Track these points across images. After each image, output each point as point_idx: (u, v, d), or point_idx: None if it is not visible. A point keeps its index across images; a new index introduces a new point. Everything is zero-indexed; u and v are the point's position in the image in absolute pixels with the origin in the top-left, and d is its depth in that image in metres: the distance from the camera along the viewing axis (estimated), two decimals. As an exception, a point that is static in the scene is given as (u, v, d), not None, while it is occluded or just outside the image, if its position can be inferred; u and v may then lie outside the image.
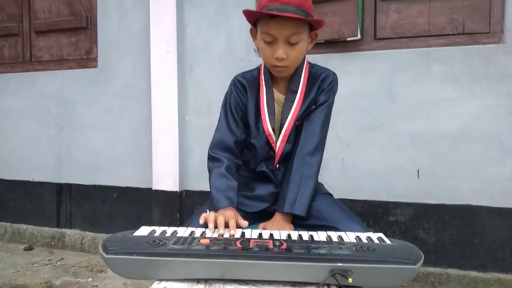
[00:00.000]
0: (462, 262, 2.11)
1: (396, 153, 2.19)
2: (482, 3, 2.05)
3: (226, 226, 1.08)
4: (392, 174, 2.21)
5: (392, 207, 2.21)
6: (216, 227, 1.07)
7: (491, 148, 2.05)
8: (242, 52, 2.50)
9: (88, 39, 2.94)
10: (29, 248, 2.98)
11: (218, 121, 1.40)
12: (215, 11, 2.54)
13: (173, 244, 0.94)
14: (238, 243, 0.95)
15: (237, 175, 1.33)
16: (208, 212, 1.24)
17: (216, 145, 1.35)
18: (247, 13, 1.24)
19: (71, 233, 2.97)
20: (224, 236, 1.03)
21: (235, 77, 1.42)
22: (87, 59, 2.96)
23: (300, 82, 1.34)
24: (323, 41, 2.28)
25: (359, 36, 2.21)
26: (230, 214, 1.12)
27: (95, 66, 2.91)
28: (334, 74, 1.38)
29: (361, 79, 2.24)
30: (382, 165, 2.22)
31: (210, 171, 1.33)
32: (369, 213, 2.23)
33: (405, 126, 2.17)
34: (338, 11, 2.20)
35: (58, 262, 2.70)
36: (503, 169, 2.03)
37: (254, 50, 2.47)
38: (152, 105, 2.65)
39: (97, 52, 2.90)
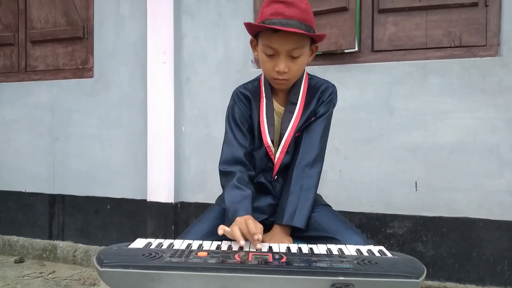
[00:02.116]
0: (460, 276, 2.09)
1: (394, 165, 2.18)
2: (479, 17, 2.07)
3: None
4: (389, 186, 2.19)
5: (390, 220, 2.19)
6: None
7: (489, 160, 2.04)
8: (239, 63, 2.49)
9: (84, 49, 2.93)
10: (20, 261, 2.92)
11: (225, 135, 1.37)
12: (212, 21, 2.54)
13: (170, 257, 0.92)
14: (236, 256, 0.93)
15: (250, 185, 1.29)
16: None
17: (226, 160, 1.32)
18: (249, 26, 1.23)
19: (63, 245, 2.91)
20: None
21: (237, 89, 1.40)
22: (83, 69, 2.94)
23: (299, 94, 1.34)
24: (320, 53, 2.28)
25: (356, 48, 2.21)
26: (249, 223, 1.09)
27: (91, 76, 2.89)
28: (334, 86, 1.38)
29: (359, 91, 2.24)
30: (379, 177, 2.21)
31: (223, 187, 1.31)
32: (367, 226, 2.21)
33: (403, 138, 2.17)
34: (336, 23, 2.21)
35: (49, 275, 2.64)
36: (501, 181, 2.02)
37: (252, 61, 2.47)
38: (148, 115, 2.64)
39: (93, 62, 2.89)
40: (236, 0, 2.49)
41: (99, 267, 0.89)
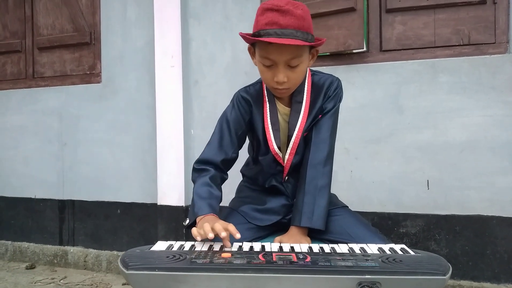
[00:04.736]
0: (474, 274, 2.08)
1: (405, 164, 2.18)
2: (487, 14, 2.07)
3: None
4: (401, 185, 2.19)
5: (402, 219, 2.19)
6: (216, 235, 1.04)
7: (500, 157, 2.04)
8: (247, 65, 2.50)
9: (91, 54, 2.94)
10: (31, 267, 2.92)
11: (212, 135, 1.36)
12: (219, 24, 2.55)
13: (194, 258, 0.92)
14: (260, 256, 0.93)
15: (220, 188, 1.30)
16: (188, 221, 1.22)
17: (202, 161, 1.32)
18: (244, 38, 1.21)
19: (74, 251, 2.91)
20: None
21: (238, 92, 1.38)
22: (91, 75, 2.95)
23: (304, 92, 1.32)
24: (328, 54, 2.29)
25: (365, 48, 2.22)
26: (211, 218, 1.10)
27: (99, 82, 2.91)
28: (338, 79, 1.35)
29: (368, 91, 2.24)
30: (390, 177, 2.21)
31: (194, 181, 1.30)
32: (379, 225, 2.20)
33: (413, 137, 2.16)
34: (344, 23, 2.21)
35: (61, 281, 2.65)
36: (513, 178, 2.02)
37: (259, 63, 2.47)
38: (157, 119, 2.64)
39: (100, 67, 2.90)
40: (242, 2, 2.50)
41: (125, 270, 0.89)
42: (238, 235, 1.04)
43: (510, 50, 2.03)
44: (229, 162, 1.35)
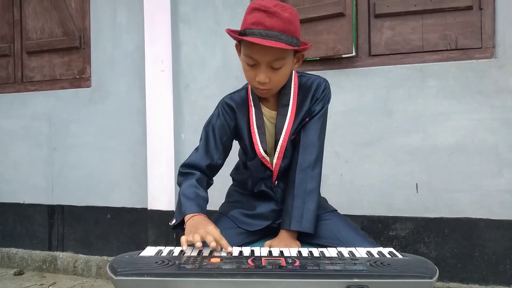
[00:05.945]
0: (463, 276, 2.10)
1: (394, 167, 2.20)
2: (474, 20, 2.10)
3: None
4: (390, 188, 2.21)
5: (391, 222, 2.20)
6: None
7: (488, 160, 2.07)
8: (237, 69, 2.50)
9: (81, 58, 2.93)
10: (19, 273, 2.89)
11: (199, 141, 1.36)
12: (210, 29, 2.56)
13: (184, 263, 0.92)
14: (250, 261, 0.94)
15: (206, 191, 1.30)
16: (174, 220, 1.23)
17: (188, 165, 1.33)
18: (230, 35, 1.21)
19: (64, 256, 2.89)
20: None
21: (223, 99, 1.38)
22: (80, 79, 2.94)
23: (290, 95, 1.31)
24: (318, 58, 2.31)
25: (354, 53, 2.24)
26: (211, 230, 1.07)
27: (89, 86, 2.89)
28: (326, 80, 1.35)
29: (357, 95, 2.26)
30: (380, 180, 2.22)
31: (180, 184, 1.30)
32: (369, 229, 2.22)
33: (402, 140, 2.19)
34: (333, 28, 2.23)
35: (50, 287, 2.62)
36: (501, 181, 2.05)
37: (250, 68, 2.48)
38: (147, 124, 2.63)
39: (90, 71, 2.89)
40: (233, 7, 2.51)
41: (113, 276, 0.88)
42: (230, 249, 1.04)
43: (496, 55, 2.07)
44: (215, 168, 1.36)
